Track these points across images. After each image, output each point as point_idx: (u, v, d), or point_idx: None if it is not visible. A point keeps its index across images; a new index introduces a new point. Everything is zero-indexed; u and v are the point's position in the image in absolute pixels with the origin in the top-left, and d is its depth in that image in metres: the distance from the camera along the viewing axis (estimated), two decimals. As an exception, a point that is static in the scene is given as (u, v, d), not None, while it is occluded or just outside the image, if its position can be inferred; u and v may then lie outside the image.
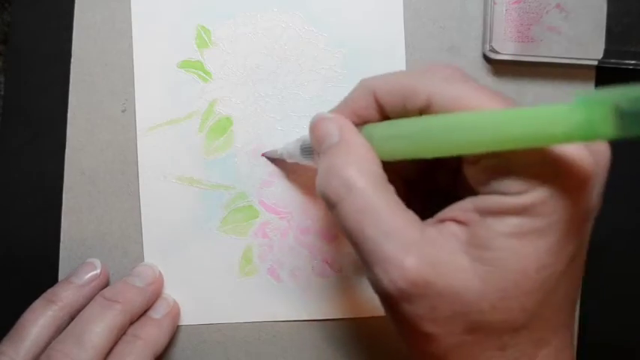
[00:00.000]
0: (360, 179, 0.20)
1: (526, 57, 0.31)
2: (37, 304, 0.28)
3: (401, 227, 0.20)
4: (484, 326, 0.20)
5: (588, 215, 0.20)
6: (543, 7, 0.31)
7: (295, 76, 0.31)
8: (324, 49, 0.31)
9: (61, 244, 0.31)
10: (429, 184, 0.26)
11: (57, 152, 0.31)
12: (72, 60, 0.31)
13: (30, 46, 0.31)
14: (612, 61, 0.31)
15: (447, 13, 0.32)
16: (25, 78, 0.31)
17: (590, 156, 0.19)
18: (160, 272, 0.31)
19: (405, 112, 0.21)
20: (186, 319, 0.31)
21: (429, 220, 0.21)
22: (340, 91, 0.31)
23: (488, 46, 0.31)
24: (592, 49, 0.31)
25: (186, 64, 0.31)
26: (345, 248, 0.31)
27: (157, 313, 0.30)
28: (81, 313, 0.27)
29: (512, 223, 0.19)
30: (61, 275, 0.31)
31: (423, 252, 0.19)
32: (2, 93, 0.32)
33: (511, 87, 0.32)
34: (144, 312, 0.29)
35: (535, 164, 0.19)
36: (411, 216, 0.20)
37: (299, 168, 0.31)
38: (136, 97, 0.31)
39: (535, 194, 0.18)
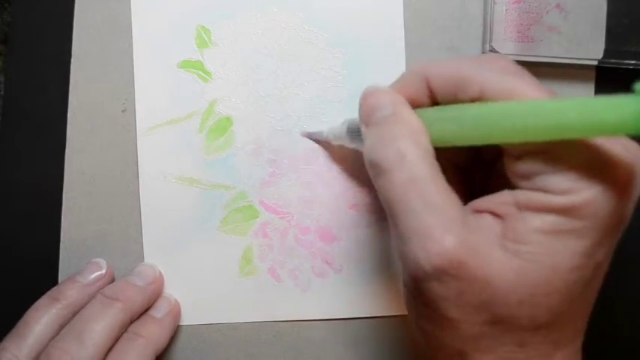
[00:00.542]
0: (413, 151, 0.21)
1: (526, 57, 0.31)
2: (42, 301, 0.28)
3: (447, 205, 0.20)
4: (507, 320, 0.20)
5: (623, 221, 0.20)
6: (543, 7, 0.31)
7: (295, 76, 0.31)
8: (324, 49, 0.31)
9: (61, 244, 0.31)
10: (463, 177, 0.26)
11: (57, 152, 0.31)
12: (72, 60, 0.31)
13: (30, 46, 0.31)
14: (612, 61, 0.31)
15: (447, 13, 0.32)
16: (25, 78, 0.31)
17: (633, 159, 0.19)
18: (160, 272, 0.31)
19: (455, 100, 0.22)
20: (186, 319, 0.31)
21: (465, 208, 0.21)
22: (340, 91, 0.31)
23: (488, 46, 0.31)
24: (592, 49, 0.30)
25: (186, 64, 0.31)
26: (345, 248, 0.31)
27: (159, 312, 0.30)
28: (81, 311, 0.27)
29: (550, 220, 0.19)
30: (61, 275, 0.31)
31: (463, 234, 0.19)
32: (2, 93, 0.32)
33: (511, 87, 0.32)
34: (145, 311, 0.29)
35: (583, 165, 0.19)
36: (455, 197, 0.20)
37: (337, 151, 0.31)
38: (136, 97, 0.31)
39: (581, 195, 0.18)
